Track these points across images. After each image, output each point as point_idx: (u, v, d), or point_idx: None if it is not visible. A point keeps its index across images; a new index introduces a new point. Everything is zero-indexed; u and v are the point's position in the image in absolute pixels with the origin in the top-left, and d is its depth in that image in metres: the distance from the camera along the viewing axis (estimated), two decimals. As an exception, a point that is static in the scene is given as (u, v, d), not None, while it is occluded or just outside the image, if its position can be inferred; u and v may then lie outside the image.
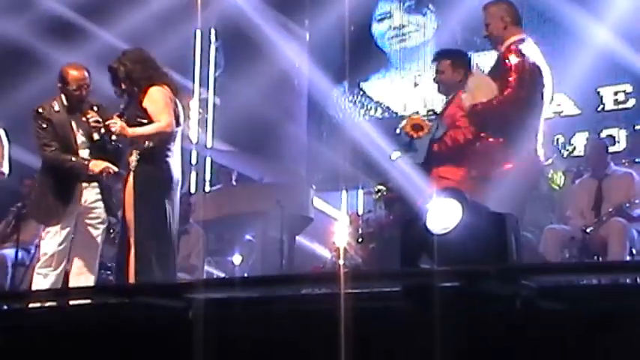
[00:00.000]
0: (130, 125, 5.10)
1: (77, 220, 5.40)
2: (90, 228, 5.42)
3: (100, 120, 5.34)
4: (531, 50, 5.01)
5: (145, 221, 5.02)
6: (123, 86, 5.23)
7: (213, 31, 10.08)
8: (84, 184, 5.39)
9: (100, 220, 5.41)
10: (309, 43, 9.72)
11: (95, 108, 5.43)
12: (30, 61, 8.22)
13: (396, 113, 9.33)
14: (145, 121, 5.11)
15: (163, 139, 5.11)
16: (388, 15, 9.66)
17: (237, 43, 9.73)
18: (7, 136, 6.15)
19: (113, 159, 5.53)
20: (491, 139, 4.90)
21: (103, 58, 8.45)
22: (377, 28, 9.67)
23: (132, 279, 4.91)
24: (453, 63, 5.23)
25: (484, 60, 9.14)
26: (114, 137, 5.30)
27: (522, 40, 5.04)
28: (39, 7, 8.89)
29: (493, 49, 5.25)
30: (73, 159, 5.33)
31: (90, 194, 5.40)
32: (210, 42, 10.14)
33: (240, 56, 9.77)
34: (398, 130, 5.28)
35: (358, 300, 3.15)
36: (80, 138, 5.45)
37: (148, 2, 9.32)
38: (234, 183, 9.05)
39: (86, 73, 5.53)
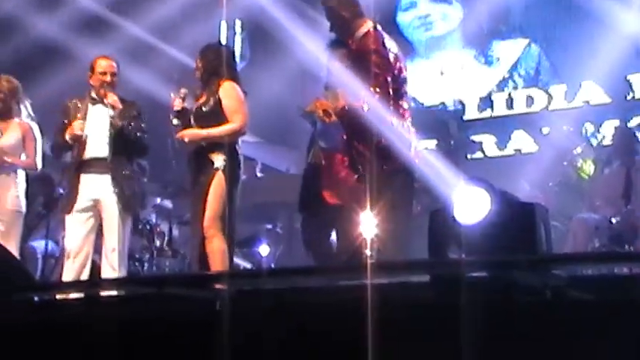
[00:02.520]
0: (207, 117, 5.19)
1: (96, 211, 5.50)
2: (106, 219, 5.49)
3: (117, 100, 5.44)
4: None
5: (233, 215, 5.30)
6: (202, 79, 5.36)
7: (238, 23, 10.08)
8: (90, 175, 5.47)
9: (112, 211, 5.46)
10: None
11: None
12: (60, 56, 8.28)
13: (422, 103, 9.28)
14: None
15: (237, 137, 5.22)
16: (414, 4, 9.61)
17: (263, 33, 9.72)
18: (40, 130, 6.22)
19: (135, 150, 5.62)
20: None
21: (132, 51, 8.53)
22: (402, 18, 9.63)
23: (212, 267, 5.11)
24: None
25: (508, 48, 9.12)
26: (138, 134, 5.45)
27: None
28: (67, 2, 8.95)
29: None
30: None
31: (100, 185, 5.47)
32: (235, 33, 10.14)
33: (265, 47, 9.77)
34: (302, 112, 5.31)
35: (386, 291, 3.13)
36: (96, 127, 5.54)
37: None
38: (258, 174, 9.06)
39: (114, 63, 5.64)
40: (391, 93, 4.83)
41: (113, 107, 5.57)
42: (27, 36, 8.67)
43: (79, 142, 5.58)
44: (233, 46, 10.12)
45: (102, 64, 5.72)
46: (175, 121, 5.41)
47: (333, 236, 5.50)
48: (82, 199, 5.54)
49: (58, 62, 8.19)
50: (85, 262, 5.51)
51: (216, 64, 5.40)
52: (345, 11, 4.92)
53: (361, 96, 4.75)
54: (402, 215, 4.90)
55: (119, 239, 5.46)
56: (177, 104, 5.41)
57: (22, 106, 6.22)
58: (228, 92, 5.32)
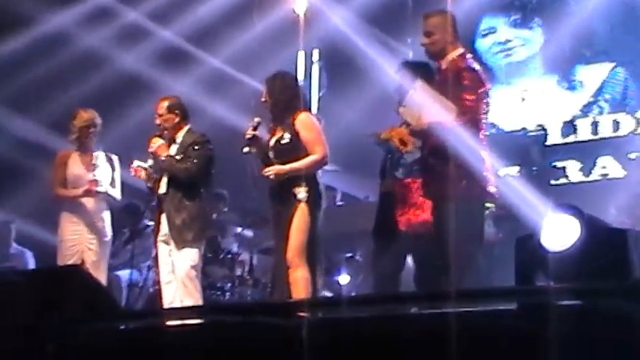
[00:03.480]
0: (287, 151, 5.28)
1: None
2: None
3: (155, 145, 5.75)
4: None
5: (316, 245, 5.42)
6: (273, 112, 5.42)
7: (316, 52, 10.16)
8: (162, 213, 5.73)
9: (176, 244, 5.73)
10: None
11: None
12: (142, 89, 8.47)
13: (503, 129, 9.16)
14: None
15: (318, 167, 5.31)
16: (493, 30, 9.52)
17: (340, 62, 9.76)
18: (120, 161, 6.37)
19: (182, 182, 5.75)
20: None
21: (212, 82, 8.67)
22: (481, 44, 9.55)
23: (295, 296, 5.18)
24: (420, 77, 5.09)
25: (592, 72, 8.95)
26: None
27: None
28: (149, 35, 9.17)
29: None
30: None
31: (163, 222, 5.65)
32: (312, 63, 10.21)
33: (342, 76, 9.80)
34: (377, 139, 5.24)
35: (470, 319, 3.07)
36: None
37: (252, 25, 9.49)
38: (338, 203, 9.05)
39: (162, 103, 5.80)
40: (485, 108, 4.82)
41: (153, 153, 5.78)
42: (111, 70, 8.91)
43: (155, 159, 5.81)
44: (311, 76, 10.25)
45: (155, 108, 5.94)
46: (246, 149, 5.45)
47: (409, 263, 5.45)
48: (161, 234, 5.83)
49: (141, 95, 8.37)
50: (176, 288, 5.65)
51: (285, 97, 5.44)
52: (447, 34, 4.94)
53: (448, 114, 4.71)
54: (477, 243, 4.82)
55: (174, 269, 5.61)
56: (249, 134, 5.46)
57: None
58: (305, 124, 5.36)
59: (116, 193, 6.40)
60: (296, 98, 5.47)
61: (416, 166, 5.18)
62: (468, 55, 5.03)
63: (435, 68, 5.16)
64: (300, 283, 5.21)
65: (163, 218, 5.75)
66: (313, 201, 5.34)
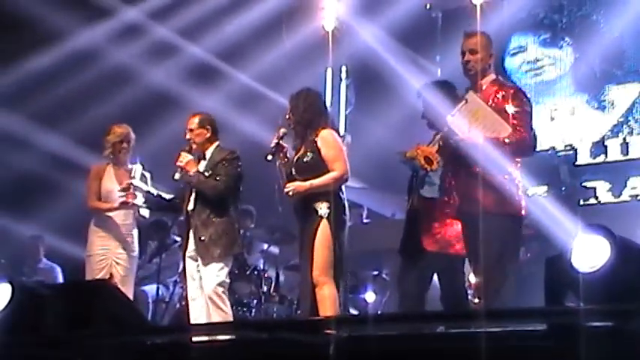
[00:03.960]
0: (309, 168, 5.34)
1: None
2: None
3: (184, 160, 5.75)
4: None
5: (340, 262, 5.37)
6: (296, 130, 5.44)
7: (344, 69, 10.18)
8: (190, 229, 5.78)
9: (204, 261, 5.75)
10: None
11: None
12: (171, 105, 8.53)
13: (532, 148, 9.11)
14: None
15: (339, 184, 5.26)
16: (522, 49, 9.50)
17: (368, 79, 9.78)
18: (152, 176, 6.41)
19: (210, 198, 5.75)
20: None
21: (240, 99, 8.71)
22: (510, 63, 9.52)
23: (322, 313, 5.16)
24: (445, 96, 5.08)
25: (622, 92, 8.89)
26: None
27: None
28: (179, 52, 9.24)
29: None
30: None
31: (192, 238, 5.74)
32: (340, 79, 10.23)
33: (370, 93, 9.81)
34: (402, 157, 5.21)
35: (499, 339, 3.04)
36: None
37: (280, 42, 9.54)
38: (365, 220, 9.03)
39: (193, 119, 5.82)
40: (532, 125, 4.83)
41: (182, 168, 5.78)
42: (140, 85, 8.99)
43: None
44: (339, 93, 10.27)
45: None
46: (269, 157, 5.48)
47: (434, 283, 5.43)
48: (189, 250, 5.82)
49: (170, 111, 8.43)
50: (205, 306, 5.64)
51: (308, 115, 5.45)
52: (487, 55, 5.00)
53: (501, 130, 4.72)
54: (510, 262, 4.79)
55: (200, 285, 5.62)
56: (274, 141, 5.48)
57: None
58: (326, 141, 5.37)
59: (144, 211, 6.43)
60: (319, 116, 5.48)
61: (445, 183, 5.16)
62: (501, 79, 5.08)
63: (460, 88, 5.15)
64: (327, 300, 5.21)
65: (191, 234, 5.76)
66: (336, 217, 5.33)
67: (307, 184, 5.35)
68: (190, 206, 5.81)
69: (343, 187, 5.50)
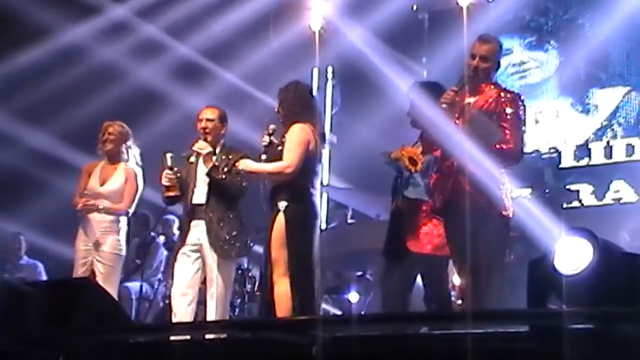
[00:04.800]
0: (276, 157, 5.29)
1: (200, 256, 5.59)
2: (206, 264, 5.58)
3: (205, 151, 5.53)
4: None
5: (297, 259, 5.19)
6: (283, 120, 5.41)
7: (330, 69, 10.19)
8: (195, 221, 5.58)
9: (209, 256, 5.57)
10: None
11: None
12: (158, 103, 8.51)
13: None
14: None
15: (289, 178, 5.23)
16: (508, 52, 9.52)
17: (354, 80, 9.79)
18: (143, 175, 6.37)
19: (230, 195, 5.68)
20: None
21: (227, 98, 8.70)
22: (496, 64, 9.56)
23: (281, 315, 5.05)
24: (433, 97, 5.05)
25: (607, 96, 8.94)
26: (223, 171, 5.50)
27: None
28: (166, 50, 9.22)
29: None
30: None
31: (200, 231, 5.56)
32: (327, 80, 10.24)
33: (356, 94, 9.82)
34: (387, 158, 5.22)
35: (481, 340, 3.06)
36: (200, 174, 5.64)
37: (267, 42, 9.54)
38: (349, 220, 9.04)
39: (209, 110, 5.74)
40: (524, 132, 4.82)
41: (198, 154, 5.67)
42: (126, 83, 8.96)
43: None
44: (325, 93, 10.27)
45: (200, 113, 5.85)
46: (263, 157, 5.44)
47: (417, 284, 5.43)
48: (188, 244, 5.64)
49: (157, 109, 8.41)
50: (191, 304, 5.59)
51: (296, 109, 5.38)
52: (497, 65, 5.00)
53: (493, 136, 4.74)
54: (496, 264, 4.80)
55: (215, 284, 5.54)
56: (265, 140, 5.45)
57: (130, 153, 6.39)
58: (290, 134, 5.30)
59: (123, 208, 6.32)
60: (307, 109, 5.41)
61: (430, 183, 5.18)
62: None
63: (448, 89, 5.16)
64: (278, 298, 5.14)
65: (197, 228, 5.64)
66: (295, 212, 5.24)
67: (257, 165, 5.30)
68: (201, 199, 5.66)
69: (317, 184, 5.40)
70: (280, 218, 5.23)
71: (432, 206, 5.07)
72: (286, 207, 5.24)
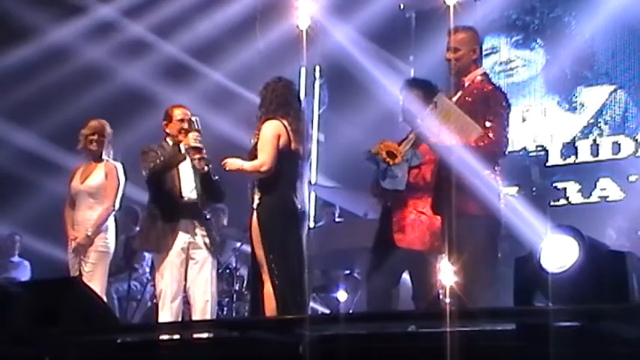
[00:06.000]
0: (251, 155, 5.27)
1: (187, 254, 5.56)
2: (197, 262, 5.55)
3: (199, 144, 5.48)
4: None
5: (275, 256, 5.12)
6: (262, 117, 5.38)
7: (317, 68, 10.18)
8: (183, 220, 5.54)
9: (201, 254, 5.53)
10: (413, 79, 9.68)
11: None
12: (144, 102, 8.49)
13: (503, 149, 9.17)
14: None
15: (270, 174, 5.20)
16: (495, 50, 9.56)
17: (341, 79, 9.79)
18: (124, 171, 6.35)
19: (218, 194, 5.67)
20: None
21: (213, 97, 8.68)
22: (483, 63, 9.57)
23: (269, 314, 4.99)
24: (424, 95, 5.06)
25: (593, 94, 8.98)
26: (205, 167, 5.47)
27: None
28: (152, 49, 9.19)
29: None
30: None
31: (190, 229, 5.54)
32: (314, 79, 10.23)
33: (344, 93, 9.82)
34: (367, 154, 5.22)
35: (468, 339, 3.07)
36: (185, 179, 5.63)
37: (255, 42, 9.53)
38: (337, 219, 9.04)
39: (188, 112, 5.73)
40: (507, 128, 4.81)
41: (188, 152, 5.64)
42: (113, 83, 8.94)
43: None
44: (312, 92, 10.27)
45: (176, 115, 5.81)
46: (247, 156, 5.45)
47: (403, 281, 5.42)
48: (177, 243, 5.58)
49: (142, 108, 8.38)
50: (179, 303, 5.58)
51: (274, 107, 5.34)
52: (472, 51, 4.89)
53: (471, 133, 4.71)
54: (485, 262, 4.79)
55: (208, 282, 5.54)
56: (253, 141, 5.44)
57: (110, 150, 6.40)
58: (262, 131, 5.28)
59: (109, 206, 6.30)
60: (284, 106, 5.34)
61: (419, 180, 5.17)
62: (490, 76, 5.03)
63: (442, 86, 5.17)
64: (267, 298, 5.10)
65: (187, 226, 5.62)
66: (266, 207, 5.20)
67: (238, 163, 5.28)
68: (191, 194, 5.64)
69: (295, 179, 5.32)
70: (254, 215, 5.22)
71: (421, 202, 5.08)
72: (258, 204, 5.23)
